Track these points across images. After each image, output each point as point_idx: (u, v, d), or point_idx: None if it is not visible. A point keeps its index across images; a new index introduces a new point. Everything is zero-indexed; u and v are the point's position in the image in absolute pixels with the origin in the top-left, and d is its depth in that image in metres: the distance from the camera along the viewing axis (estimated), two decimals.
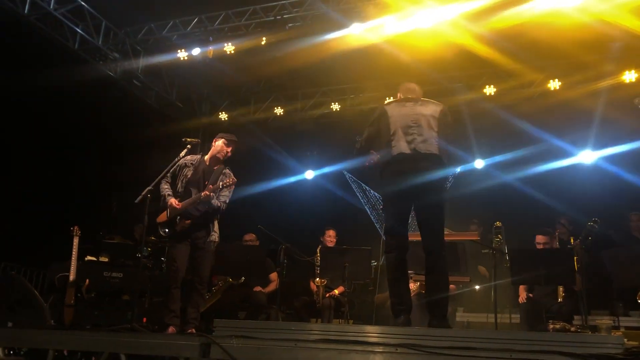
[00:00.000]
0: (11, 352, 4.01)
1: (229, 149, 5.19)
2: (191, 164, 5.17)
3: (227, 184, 5.02)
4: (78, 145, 8.78)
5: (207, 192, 4.89)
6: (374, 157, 4.29)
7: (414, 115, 4.12)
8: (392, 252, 4.02)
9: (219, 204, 5.03)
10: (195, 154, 5.33)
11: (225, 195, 5.10)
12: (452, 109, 8.75)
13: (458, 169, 9.52)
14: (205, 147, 9.48)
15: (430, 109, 4.20)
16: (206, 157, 5.23)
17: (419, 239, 4.14)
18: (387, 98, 9.40)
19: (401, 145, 4.03)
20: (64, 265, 6.02)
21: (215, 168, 5.17)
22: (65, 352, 4.21)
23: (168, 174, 5.13)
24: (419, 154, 3.98)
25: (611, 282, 5.39)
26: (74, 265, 5.95)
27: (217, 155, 5.18)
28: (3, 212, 7.67)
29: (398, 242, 4.02)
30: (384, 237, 4.16)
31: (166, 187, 5.10)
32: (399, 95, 4.48)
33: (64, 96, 8.10)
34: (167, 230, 5.06)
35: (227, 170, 5.16)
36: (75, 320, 5.77)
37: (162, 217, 5.09)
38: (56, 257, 6.47)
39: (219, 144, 5.19)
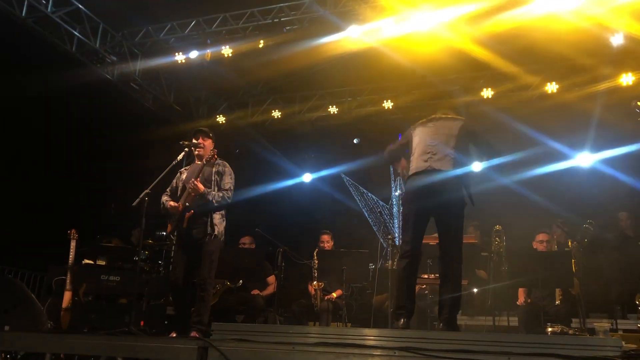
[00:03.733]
0: (8, 355, 3.99)
1: (199, 139, 5.21)
2: (185, 170, 5.30)
3: (209, 157, 5.01)
4: (76, 149, 8.76)
5: (193, 180, 4.90)
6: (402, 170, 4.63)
7: (433, 137, 4.40)
8: (405, 258, 4.23)
9: (222, 194, 5.01)
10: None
11: (229, 182, 5.12)
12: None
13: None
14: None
15: (451, 126, 4.43)
16: (196, 161, 5.32)
17: (427, 241, 4.29)
18: (385, 101, 9.44)
19: (419, 164, 4.32)
20: (61, 268, 6.01)
21: (204, 164, 5.18)
22: (62, 356, 4.20)
23: (167, 189, 5.22)
24: (434, 170, 4.23)
25: (609, 284, 5.40)
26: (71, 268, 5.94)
27: (196, 151, 5.22)
28: (1, 215, 7.65)
29: (412, 250, 4.21)
30: (400, 242, 4.31)
31: (165, 197, 5.19)
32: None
33: (62, 99, 8.08)
34: (177, 234, 5.12)
35: (210, 153, 5.12)
36: (72, 324, 5.76)
37: (169, 227, 5.14)
38: (53, 261, 6.45)
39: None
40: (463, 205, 4.26)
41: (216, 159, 5.10)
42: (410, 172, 4.36)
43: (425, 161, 4.29)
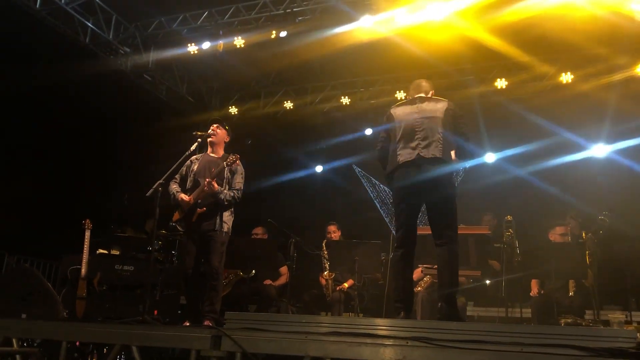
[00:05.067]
0: (25, 343, 4.05)
1: (213, 126, 5.24)
2: (196, 159, 5.25)
3: (231, 161, 5.03)
4: (89, 139, 8.82)
5: (209, 179, 4.89)
6: None
7: (418, 119, 4.23)
8: (398, 249, 4.16)
9: (232, 194, 5.03)
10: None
11: (239, 182, 5.13)
12: (463, 102, 8.84)
13: (467, 165, 9.46)
14: None
15: (435, 108, 4.27)
16: (208, 150, 5.30)
17: (430, 232, 4.21)
18: (398, 91, 9.38)
19: (406, 152, 4.17)
20: (76, 258, 6.07)
21: (219, 157, 5.19)
22: (78, 344, 4.26)
23: (176, 175, 5.19)
24: (422, 159, 4.10)
25: (623, 276, 5.35)
26: (85, 258, 6.00)
27: (209, 139, 5.21)
28: (16, 205, 7.74)
29: (405, 241, 4.14)
30: (394, 233, 4.26)
31: (174, 186, 5.16)
32: (409, 92, 4.58)
33: (75, 90, 8.14)
34: (184, 225, 5.10)
35: (232, 157, 5.12)
36: (87, 313, 5.83)
37: (176, 215, 5.13)
38: (68, 250, 6.53)
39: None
40: (454, 188, 4.20)
41: (238, 164, 5.12)
42: (400, 161, 4.17)
43: (414, 149, 4.13)
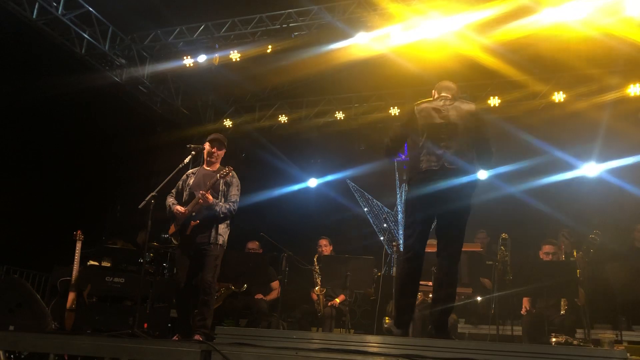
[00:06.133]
0: (12, 355, 4.01)
1: (214, 149, 5.19)
2: (192, 173, 5.26)
3: (224, 173, 5.00)
4: (82, 150, 8.80)
5: (203, 191, 4.89)
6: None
7: (445, 125, 3.98)
8: (407, 263, 3.94)
9: (228, 206, 5.01)
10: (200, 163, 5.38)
11: (235, 194, 5.11)
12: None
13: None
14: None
15: (462, 112, 4.04)
16: (204, 164, 5.30)
17: (428, 250, 4.15)
18: (392, 107, 9.42)
19: (430, 160, 3.92)
20: (66, 269, 6.03)
21: (214, 170, 5.19)
22: (66, 357, 4.21)
23: (173, 190, 5.21)
24: (447, 170, 3.87)
25: (614, 295, 5.36)
26: (76, 269, 5.96)
27: (209, 158, 5.21)
28: (7, 215, 7.69)
29: (414, 255, 3.93)
30: (401, 244, 4.12)
31: (171, 199, 5.17)
32: (433, 93, 4.31)
33: (70, 101, 8.13)
34: (179, 238, 5.09)
35: (225, 169, 5.09)
36: (76, 325, 5.77)
37: (172, 228, 5.12)
38: (59, 261, 6.48)
39: (205, 146, 5.25)
40: (470, 206, 3.98)
41: (231, 175, 5.11)
42: (422, 168, 3.92)
43: (439, 157, 3.88)
